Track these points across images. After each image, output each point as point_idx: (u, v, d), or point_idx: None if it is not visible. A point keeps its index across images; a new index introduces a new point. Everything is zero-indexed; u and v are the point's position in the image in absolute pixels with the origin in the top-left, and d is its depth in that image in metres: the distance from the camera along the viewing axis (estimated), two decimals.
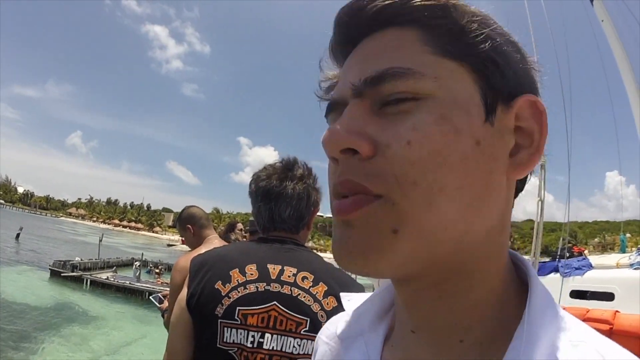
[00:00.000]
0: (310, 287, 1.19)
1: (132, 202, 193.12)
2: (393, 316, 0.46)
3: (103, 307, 16.51)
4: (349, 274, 1.35)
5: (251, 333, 1.13)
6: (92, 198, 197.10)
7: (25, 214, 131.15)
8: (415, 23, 0.36)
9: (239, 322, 1.14)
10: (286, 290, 1.17)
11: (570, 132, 8.42)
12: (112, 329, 13.36)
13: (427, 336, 0.39)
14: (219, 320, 1.14)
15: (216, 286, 1.17)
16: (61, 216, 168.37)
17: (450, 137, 0.33)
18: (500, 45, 0.36)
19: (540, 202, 5.98)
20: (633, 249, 8.56)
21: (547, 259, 8.75)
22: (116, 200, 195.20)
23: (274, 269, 1.20)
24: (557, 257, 8.16)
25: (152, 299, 2.95)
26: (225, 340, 1.13)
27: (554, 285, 7.38)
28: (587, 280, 7.14)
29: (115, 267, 25.18)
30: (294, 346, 1.13)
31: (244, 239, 3.47)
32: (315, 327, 1.14)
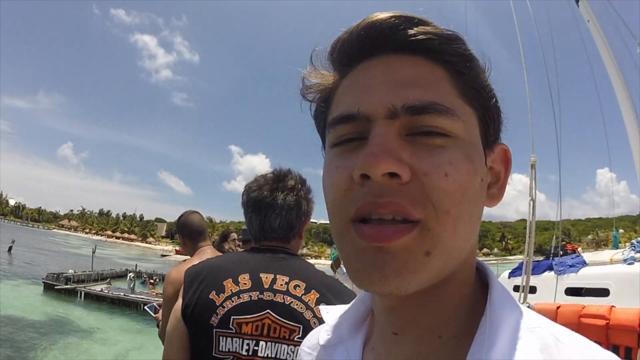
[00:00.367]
0: (302, 294, 1.20)
1: (125, 213, 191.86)
2: (370, 323, 0.52)
3: (98, 319, 16.36)
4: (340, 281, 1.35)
5: (246, 341, 1.15)
6: (84, 209, 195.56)
7: (17, 227, 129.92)
8: (446, 64, 0.40)
9: (234, 331, 1.15)
10: (279, 298, 1.19)
11: (559, 130, 8.50)
12: (108, 341, 13.24)
13: (408, 336, 0.44)
14: (214, 330, 1.15)
15: (210, 296, 1.18)
16: (53, 228, 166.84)
17: (472, 175, 0.39)
18: (497, 102, 0.44)
19: (531, 202, 6.01)
20: (626, 244, 8.65)
21: (541, 258, 8.80)
22: (108, 211, 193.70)
23: (266, 277, 1.22)
24: (551, 255, 8.23)
25: (147, 309, 2.94)
26: (220, 349, 1.15)
27: (549, 284, 7.44)
28: (582, 277, 7.20)
29: (109, 279, 25.04)
30: (287, 353, 1.15)
31: (238, 248, 3.46)
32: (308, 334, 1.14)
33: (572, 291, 7.15)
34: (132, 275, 23.09)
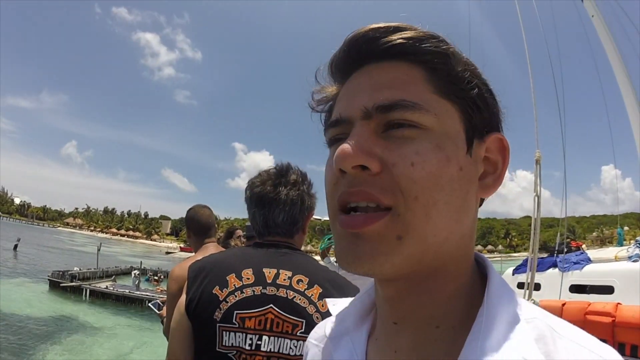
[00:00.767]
0: (305, 289, 1.21)
1: (129, 211, 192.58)
2: (374, 316, 0.53)
3: (103, 317, 16.46)
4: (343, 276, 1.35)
5: (249, 336, 1.15)
6: (89, 207, 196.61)
7: (23, 225, 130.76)
8: (422, 63, 0.43)
9: (237, 326, 1.16)
10: (282, 293, 1.19)
11: (564, 127, 8.46)
12: (113, 338, 13.31)
13: (408, 326, 0.45)
14: (218, 325, 1.16)
15: (214, 291, 1.19)
16: (58, 226, 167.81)
17: (443, 163, 0.41)
18: (482, 92, 0.45)
19: (536, 198, 5.99)
20: (631, 241, 8.60)
21: (545, 255, 8.78)
22: (113, 209, 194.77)
23: (269, 272, 1.23)
24: (556, 252, 8.20)
25: (151, 306, 2.94)
26: (224, 343, 1.16)
27: (553, 281, 7.42)
28: (586, 274, 7.18)
29: (114, 276, 25.12)
30: (290, 347, 1.16)
31: (243, 245, 3.46)
32: (311, 328, 1.14)
33: (576, 288, 7.14)
34: (137, 272, 23.17)
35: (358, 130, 0.42)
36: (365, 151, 0.40)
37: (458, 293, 0.44)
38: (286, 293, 1.19)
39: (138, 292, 19.74)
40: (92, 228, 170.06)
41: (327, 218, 0.46)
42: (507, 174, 0.49)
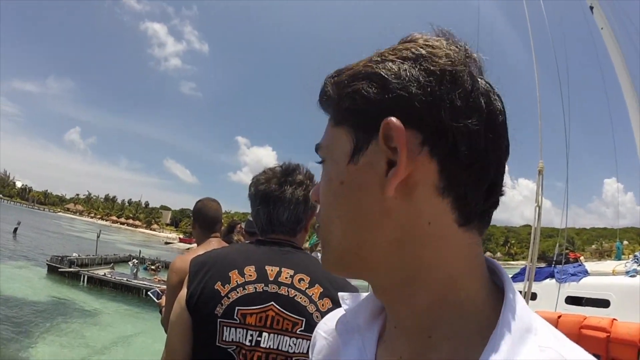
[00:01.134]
0: (306, 288, 1.23)
1: (130, 199, 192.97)
2: (385, 317, 0.53)
3: (100, 304, 16.52)
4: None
5: (250, 332, 1.17)
6: (90, 194, 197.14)
7: (23, 209, 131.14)
8: (329, 107, 0.49)
9: (238, 322, 1.17)
10: (283, 291, 1.21)
11: (568, 138, 8.44)
12: (109, 326, 13.37)
13: (403, 332, 0.47)
14: (219, 320, 1.18)
15: (216, 287, 1.20)
16: (59, 211, 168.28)
17: (326, 184, 0.47)
18: (357, 96, 0.43)
19: (537, 208, 5.99)
20: (630, 255, 8.58)
21: (543, 265, 8.77)
22: (114, 197, 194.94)
23: (271, 270, 1.24)
24: (553, 263, 8.19)
25: (151, 294, 2.94)
26: (224, 338, 1.17)
27: (549, 291, 7.41)
28: (583, 287, 7.15)
29: (112, 264, 25.17)
30: (289, 345, 1.17)
31: (244, 239, 3.48)
32: (311, 327, 1.17)
33: (572, 300, 7.12)
34: (136, 261, 23.18)
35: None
36: (316, 189, 0.52)
37: (442, 304, 0.42)
38: (287, 291, 1.21)
39: (135, 281, 19.80)
40: (93, 215, 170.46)
41: None
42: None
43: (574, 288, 7.20)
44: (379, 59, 0.44)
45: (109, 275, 20.59)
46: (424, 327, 0.44)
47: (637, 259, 7.02)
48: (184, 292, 1.25)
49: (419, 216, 0.41)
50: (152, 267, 27.00)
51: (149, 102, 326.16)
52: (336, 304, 1.20)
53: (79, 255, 23.99)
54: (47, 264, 21.92)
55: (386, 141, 0.41)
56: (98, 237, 28.00)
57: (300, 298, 1.21)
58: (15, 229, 38.93)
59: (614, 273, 7.00)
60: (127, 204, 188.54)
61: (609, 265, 7.85)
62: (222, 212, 2.59)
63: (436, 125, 0.40)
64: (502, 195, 0.45)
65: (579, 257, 9.29)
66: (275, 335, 1.17)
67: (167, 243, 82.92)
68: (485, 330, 0.39)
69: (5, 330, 10.98)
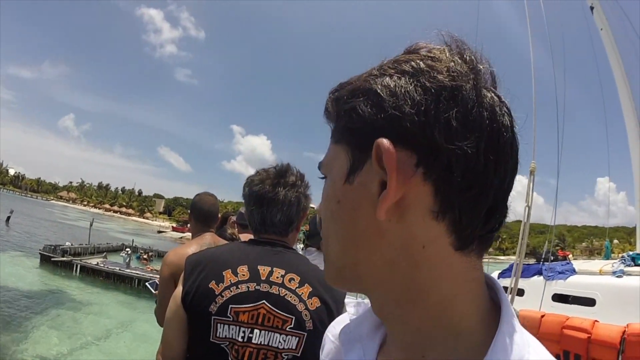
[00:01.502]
0: (296, 287, 1.29)
1: (124, 187, 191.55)
2: None
3: (92, 293, 16.50)
4: None
5: (242, 329, 1.24)
6: (83, 182, 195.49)
7: (16, 197, 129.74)
8: (330, 123, 0.49)
9: (231, 319, 1.24)
10: (274, 290, 1.27)
11: (561, 136, 8.54)
12: (102, 315, 13.38)
13: (399, 348, 0.47)
14: (213, 317, 1.24)
15: (210, 285, 1.26)
16: (52, 199, 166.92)
17: (325, 202, 0.48)
18: (353, 114, 0.43)
19: (527, 208, 6.08)
20: (619, 255, 8.68)
21: (532, 261, 8.87)
22: (107, 184, 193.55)
23: (263, 270, 1.30)
24: (542, 260, 8.28)
25: (149, 286, 2.98)
26: (218, 335, 1.23)
27: (537, 288, 7.52)
28: (570, 285, 7.25)
29: (105, 253, 25.07)
30: (279, 341, 1.24)
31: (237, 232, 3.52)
32: (300, 324, 1.24)
33: (559, 298, 7.21)
34: (129, 250, 23.11)
35: None
36: (320, 204, 0.52)
37: (438, 325, 0.42)
38: (278, 290, 1.27)
39: (128, 270, 19.72)
40: (86, 203, 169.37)
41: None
42: None
43: (561, 286, 7.30)
44: (377, 72, 0.43)
45: (102, 265, 20.50)
46: (417, 346, 0.44)
47: (625, 260, 7.12)
48: (179, 289, 1.31)
49: (412, 239, 0.40)
50: (145, 256, 26.95)
51: (144, 89, 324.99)
52: (324, 303, 1.27)
53: (72, 245, 23.85)
54: (40, 253, 21.72)
55: (379, 162, 0.40)
56: (91, 225, 27.76)
57: (291, 297, 1.27)
58: (8, 218, 38.58)
59: (601, 273, 7.09)
60: (120, 192, 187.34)
61: (596, 264, 7.94)
62: (219, 207, 2.61)
63: (430, 146, 0.38)
64: (504, 218, 0.43)
65: (568, 255, 9.41)
66: (266, 332, 1.24)
67: (160, 232, 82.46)
68: (479, 354, 0.39)
69: None
